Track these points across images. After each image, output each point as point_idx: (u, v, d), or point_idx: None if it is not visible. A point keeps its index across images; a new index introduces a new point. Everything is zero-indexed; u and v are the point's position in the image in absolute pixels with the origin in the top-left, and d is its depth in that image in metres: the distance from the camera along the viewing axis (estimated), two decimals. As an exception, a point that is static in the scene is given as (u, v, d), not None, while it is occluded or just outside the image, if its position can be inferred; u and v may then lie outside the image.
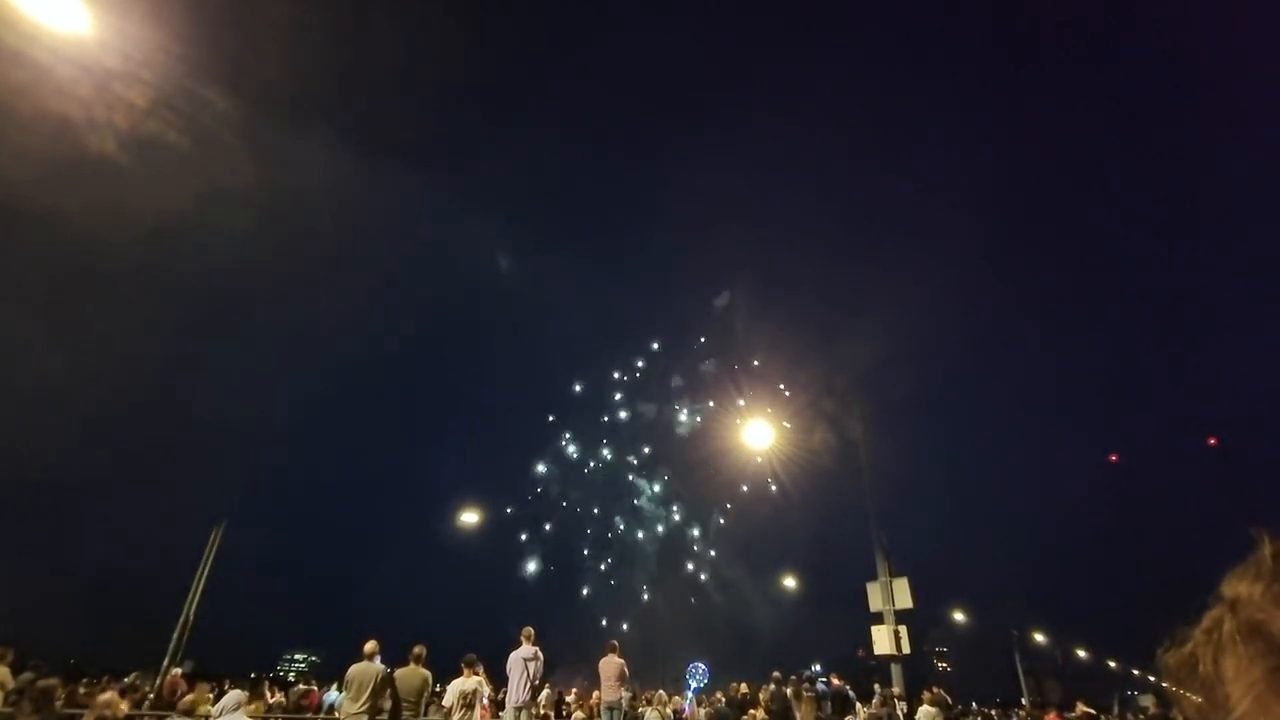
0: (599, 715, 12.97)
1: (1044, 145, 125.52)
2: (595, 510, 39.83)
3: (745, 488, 39.90)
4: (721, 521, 39.62)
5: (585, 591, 39.05)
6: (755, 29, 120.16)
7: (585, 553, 39.77)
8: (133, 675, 15.94)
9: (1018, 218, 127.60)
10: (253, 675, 23.39)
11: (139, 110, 30.45)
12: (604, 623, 37.50)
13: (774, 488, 39.02)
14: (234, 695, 9.91)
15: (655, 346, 42.09)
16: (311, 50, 69.26)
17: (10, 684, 10.41)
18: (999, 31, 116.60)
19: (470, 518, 31.95)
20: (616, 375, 41.39)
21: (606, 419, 41.09)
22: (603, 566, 39.46)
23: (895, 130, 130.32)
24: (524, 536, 39.01)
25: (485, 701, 10.80)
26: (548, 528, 39.44)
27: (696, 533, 39.97)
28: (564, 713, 16.47)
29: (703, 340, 41.08)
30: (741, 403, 37.59)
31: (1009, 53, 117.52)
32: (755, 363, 39.87)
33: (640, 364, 41.88)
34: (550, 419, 41.14)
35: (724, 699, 17.12)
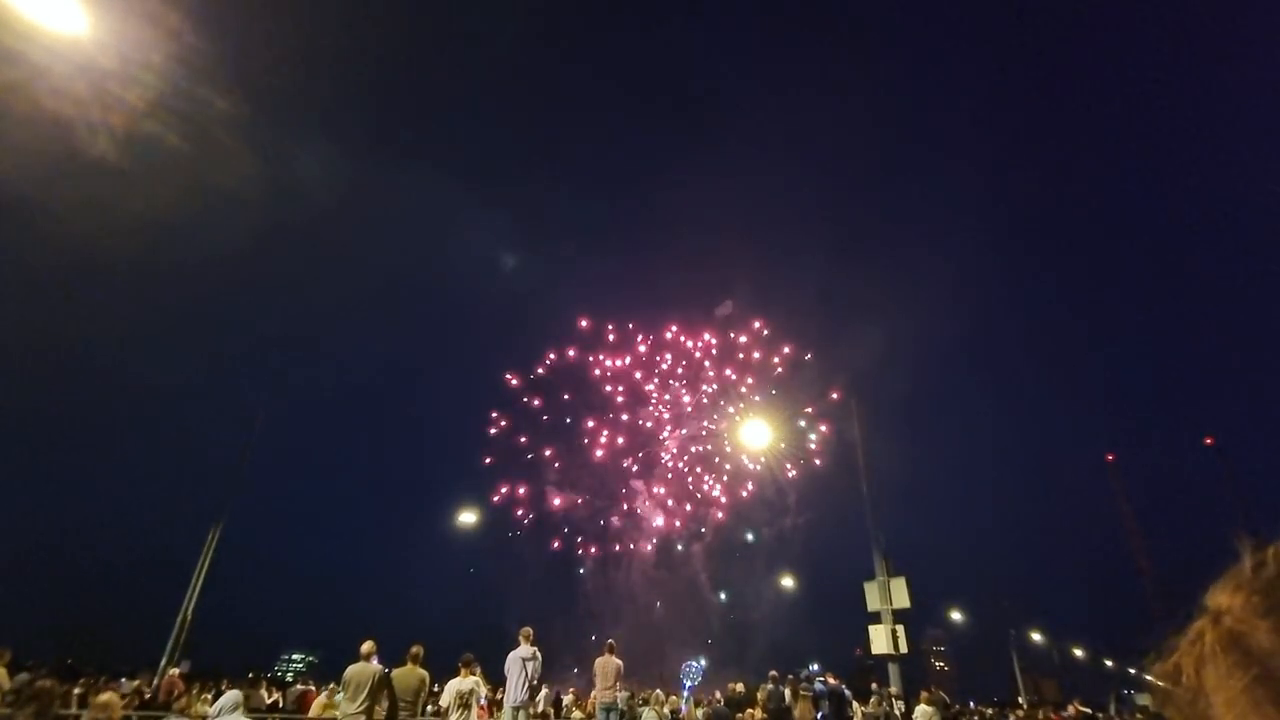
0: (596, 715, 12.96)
1: (1046, 148, 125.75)
2: (594, 509, 39.70)
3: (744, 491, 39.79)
4: (720, 520, 39.49)
5: (583, 591, 38.92)
6: (762, 30, 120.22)
7: (584, 553, 39.69)
8: (138, 681, 15.93)
9: (1019, 220, 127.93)
10: (250, 675, 23.32)
11: (136, 111, 30.35)
12: (603, 623, 37.39)
13: (772, 487, 38.87)
14: (231, 695, 9.92)
15: (654, 343, 41.80)
16: (310, 50, 69.21)
17: (7, 685, 10.41)
18: (1004, 32, 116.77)
19: (468, 517, 31.92)
20: (615, 374, 41.21)
21: (606, 418, 40.89)
22: (601, 566, 39.34)
23: (900, 131, 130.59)
24: (522, 536, 38.83)
25: (482, 701, 10.81)
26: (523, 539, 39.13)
27: (694, 532, 39.88)
28: (563, 713, 16.48)
29: (702, 340, 40.78)
30: (740, 404, 37.35)
31: (1015, 54, 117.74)
32: (755, 376, 39.16)
33: (638, 363, 41.64)
34: (547, 418, 40.76)
35: (721, 698, 17.15)
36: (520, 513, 37.68)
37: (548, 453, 38.54)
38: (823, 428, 35.35)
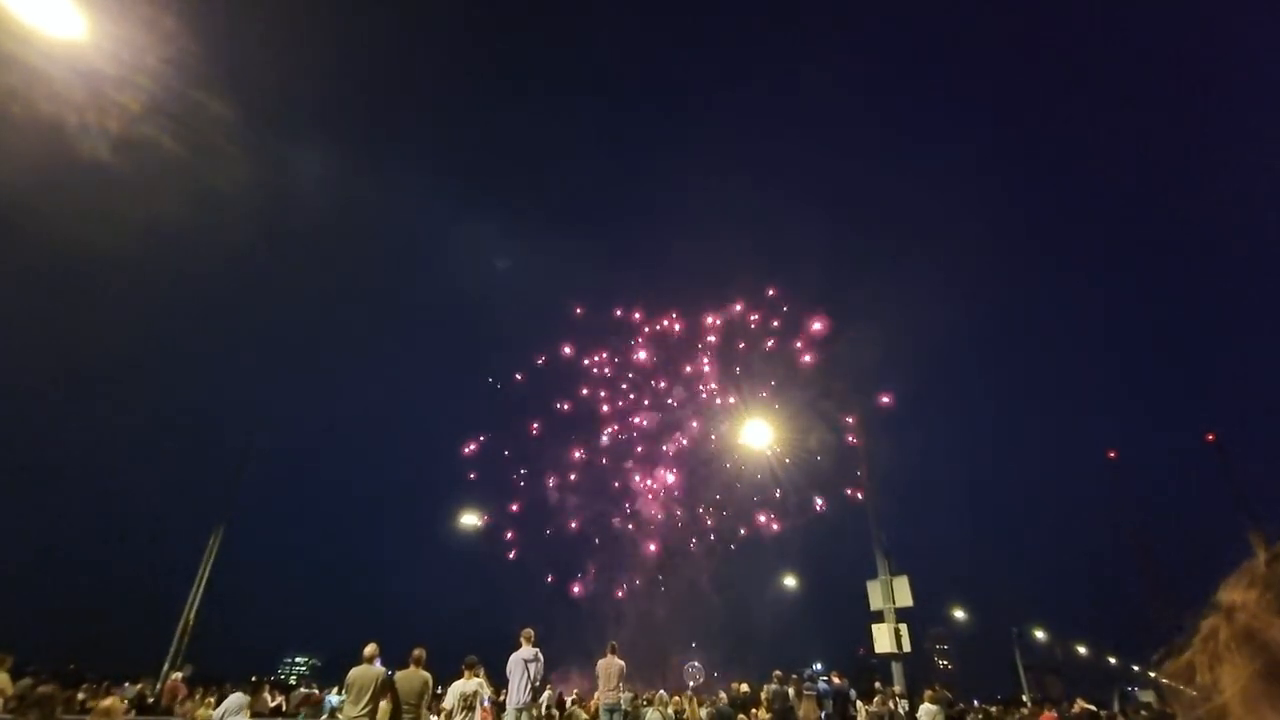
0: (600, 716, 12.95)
1: (1046, 144, 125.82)
2: (594, 510, 39.66)
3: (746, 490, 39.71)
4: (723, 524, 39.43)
5: (585, 592, 38.86)
6: (762, 25, 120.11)
7: (585, 553, 39.65)
8: (140, 685, 15.90)
9: (1017, 218, 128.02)
10: (253, 678, 23.30)
11: (134, 115, 30.32)
12: (605, 624, 37.35)
13: (776, 487, 38.75)
14: (235, 698, 9.91)
15: (651, 344, 41.74)
16: (308, 53, 69.22)
17: (9, 690, 10.39)
18: (1006, 32, 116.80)
19: (470, 519, 31.87)
20: (613, 374, 41.21)
21: (603, 419, 40.87)
22: (602, 567, 39.30)
23: (901, 130, 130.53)
24: (521, 537, 38.80)
25: (486, 704, 10.79)
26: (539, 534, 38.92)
27: (694, 531, 39.84)
28: (566, 714, 16.44)
29: (703, 341, 40.72)
30: (741, 403, 37.17)
31: (1016, 54, 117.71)
32: (772, 383, 38.40)
33: (638, 362, 41.61)
34: (545, 420, 40.67)
35: (726, 698, 17.13)
36: (510, 536, 37.56)
37: (522, 475, 38.37)
38: (851, 437, 32.87)
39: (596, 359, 40.84)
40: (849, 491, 33.84)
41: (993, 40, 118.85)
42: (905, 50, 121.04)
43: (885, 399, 22.90)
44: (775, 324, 39.28)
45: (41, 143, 29.85)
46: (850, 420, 33.45)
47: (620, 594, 38.53)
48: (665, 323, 40.69)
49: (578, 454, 39.47)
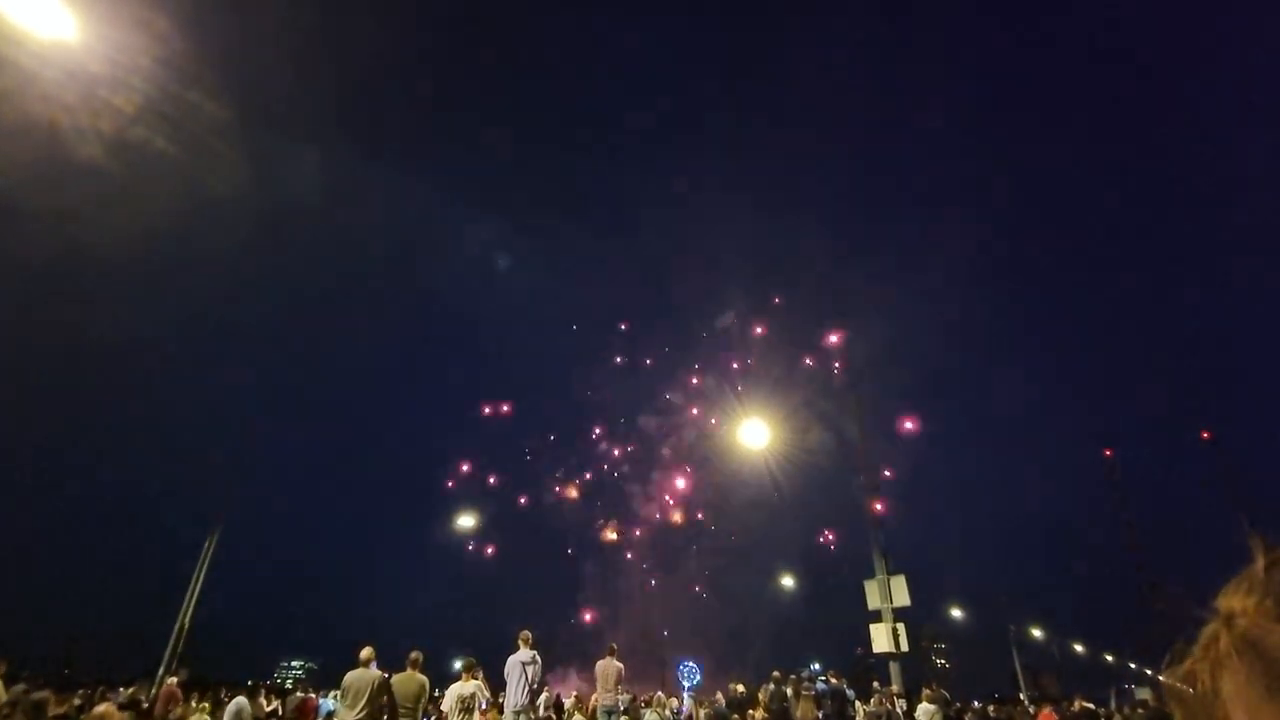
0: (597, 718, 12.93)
1: (1042, 144, 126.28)
2: (591, 509, 39.71)
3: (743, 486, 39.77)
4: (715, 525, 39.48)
5: (583, 593, 38.90)
6: (756, 23, 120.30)
7: (582, 553, 39.69)
8: (133, 689, 15.82)
9: (1015, 216, 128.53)
10: (250, 682, 23.20)
11: (126, 116, 30.19)
12: (602, 625, 37.38)
13: (772, 485, 38.85)
14: (237, 703, 9.86)
15: (647, 343, 41.86)
16: (301, 54, 69.05)
17: (3, 696, 10.30)
18: (1001, 29, 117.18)
19: (467, 521, 31.89)
20: (603, 376, 41.29)
21: (599, 419, 40.94)
22: (599, 567, 39.34)
23: (897, 126, 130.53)
24: (520, 539, 38.83)
25: (484, 706, 10.76)
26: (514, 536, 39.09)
27: (693, 532, 39.91)
28: (563, 715, 16.43)
29: (701, 339, 40.83)
30: (738, 403, 37.30)
31: (1012, 51, 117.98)
32: (770, 385, 38.67)
33: (632, 361, 41.72)
34: (544, 425, 40.79)
35: (723, 699, 17.14)
36: (504, 512, 37.66)
37: (520, 479, 38.58)
38: (887, 472, 30.90)
39: (592, 369, 41.21)
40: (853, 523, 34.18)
41: (995, 40, 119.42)
42: (901, 51, 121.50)
43: (910, 424, 23.43)
44: (777, 330, 39.66)
45: (33, 144, 29.70)
46: (887, 474, 33.58)
47: (618, 594, 38.69)
48: (660, 339, 41.10)
49: (574, 460, 39.74)
